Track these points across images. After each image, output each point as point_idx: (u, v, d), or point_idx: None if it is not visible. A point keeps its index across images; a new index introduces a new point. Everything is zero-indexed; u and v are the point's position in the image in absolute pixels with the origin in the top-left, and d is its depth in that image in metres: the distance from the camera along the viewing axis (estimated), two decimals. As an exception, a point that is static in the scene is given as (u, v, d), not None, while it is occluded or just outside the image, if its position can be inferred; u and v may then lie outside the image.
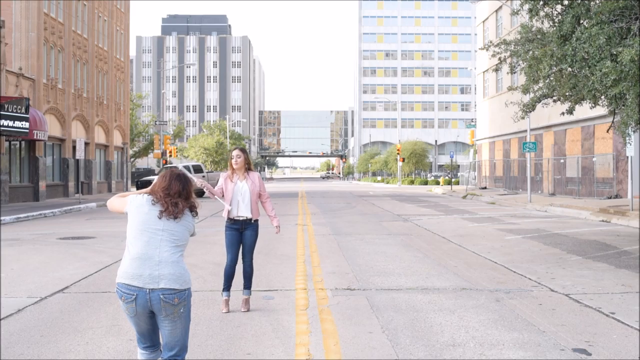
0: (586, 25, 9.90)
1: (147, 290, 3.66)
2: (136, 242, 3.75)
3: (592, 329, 6.11)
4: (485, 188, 44.12)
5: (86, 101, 39.18)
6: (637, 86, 9.40)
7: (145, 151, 62.63)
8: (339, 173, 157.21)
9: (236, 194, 6.82)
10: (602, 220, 18.55)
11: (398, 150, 68.61)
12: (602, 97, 11.59)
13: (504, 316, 6.62)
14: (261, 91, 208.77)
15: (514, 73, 14.76)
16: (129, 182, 49.63)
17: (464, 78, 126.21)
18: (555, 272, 9.42)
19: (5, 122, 25.41)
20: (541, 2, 10.94)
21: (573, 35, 9.92)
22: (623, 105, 10.66)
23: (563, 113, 13.58)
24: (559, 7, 11.05)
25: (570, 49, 9.76)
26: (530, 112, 14.24)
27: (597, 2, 10.15)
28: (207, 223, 18.11)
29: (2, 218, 19.42)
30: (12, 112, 25.74)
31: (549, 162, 34.96)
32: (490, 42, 15.87)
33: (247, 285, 6.99)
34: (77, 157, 29.48)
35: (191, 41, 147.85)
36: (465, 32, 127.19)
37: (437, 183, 62.90)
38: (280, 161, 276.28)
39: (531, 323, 6.32)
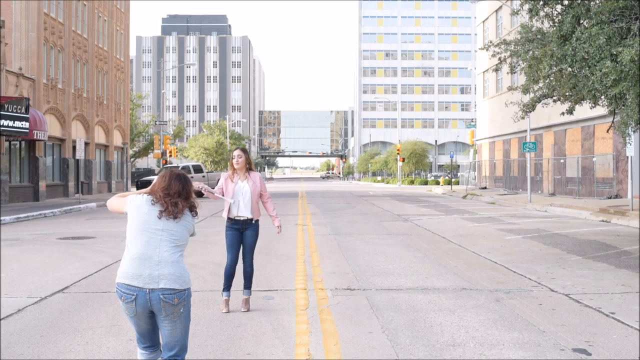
0: (586, 25, 9.90)
1: (147, 290, 3.66)
2: (136, 242, 3.75)
3: (592, 329, 6.11)
4: (485, 188, 44.12)
5: (86, 101, 39.18)
6: (637, 86, 9.40)
7: (145, 151, 62.64)
8: (339, 173, 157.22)
9: (237, 194, 6.81)
10: (602, 220, 18.55)
11: (398, 150, 68.61)
12: (602, 97, 11.59)
13: (504, 316, 6.62)
14: (261, 91, 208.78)
15: (514, 73, 14.76)
16: (129, 182, 49.63)
17: (464, 78, 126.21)
18: (555, 272, 9.42)
19: (5, 122, 25.41)
20: (541, 2, 10.94)
21: (573, 35, 9.93)
22: (623, 105, 10.66)
23: (563, 113, 13.58)
24: (559, 7, 11.05)
25: (570, 49, 9.76)
26: (530, 112, 14.24)
27: (597, 2, 10.15)
28: (207, 223, 18.12)
29: (2, 218, 19.42)
30: (12, 112, 25.74)
31: (549, 162, 34.96)
32: (490, 42, 15.87)
33: (247, 285, 6.99)
34: (77, 157, 29.48)
35: (191, 41, 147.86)
36: (465, 32, 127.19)
37: (437, 183, 62.90)
38: (280, 161, 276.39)
39: (531, 323, 6.32)
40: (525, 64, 12.58)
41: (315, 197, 36.66)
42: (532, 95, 13.60)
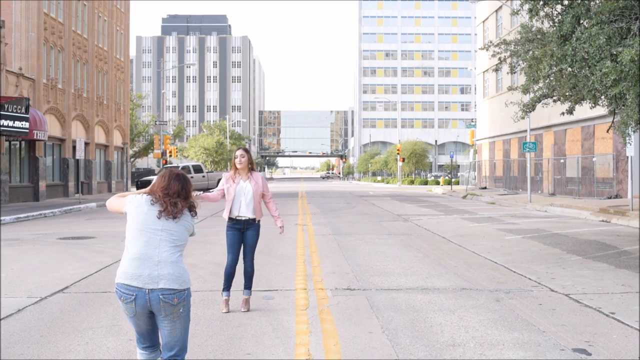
0: (586, 25, 9.90)
1: (147, 290, 3.66)
2: (135, 242, 3.75)
3: (592, 329, 6.11)
4: (485, 188, 44.12)
5: (86, 101, 39.18)
6: (637, 86, 9.40)
7: (145, 151, 62.64)
8: (339, 173, 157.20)
9: (239, 194, 6.81)
10: (602, 220, 18.55)
11: (398, 150, 68.61)
12: (602, 97, 11.59)
13: (504, 316, 6.62)
14: (261, 91, 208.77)
15: (514, 73, 14.76)
16: (129, 182, 49.63)
17: (464, 78, 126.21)
18: (555, 272, 9.42)
19: (5, 122, 25.41)
20: (541, 2, 10.94)
21: (573, 35, 9.92)
22: (623, 105, 10.66)
23: (563, 113, 13.58)
24: (559, 7, 11.05)
25: (570, 49, 9.76)
26: (530, 112, 14.24)
27: (597, 2, 10.15)
28: (207, 223, 18.11)
29: (2, 218, 19.42)
30: (12, 112, 25.74)
31: (549, 162, 34.96)
32: (490, 42, 15.87)
33: (248, 285, 6.99)
34: (77, 157, 29.48)
35: (191, 41, 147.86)
36: (465, 32, 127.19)
37: (437, 183, 62.91)
38: (280, 161, 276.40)
39: (531, 323, 6.32)
40: (525, 64, 12.57)
41: (315, 197, 36.66)
42: (532, 95, 13.60)
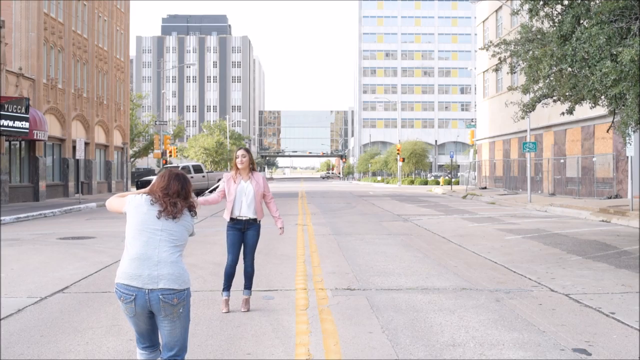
0: (586, 25, 9.90)
1: (146, 290, 3.66)
2: (135, 242, 3.75)
3: (592, 329, 6.11)
4: (485, 188, 44.12)
5: (86, 101, 39.18)
6: (637, 86, 9.40)
7: (145, 151, 62.64)
8: (339, 173, 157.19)
9: (240, 194, 6.81)
10: (602, 220, 18.54)
11: (398, 150, 68.61)
12: (602, 97, 11.58)
13: (504, 316, 6.62)
14: (261, 91, 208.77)
15: (514, 73, 14.76)
16: (129, 182, 49.64)
17: (464, 78, 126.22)
18: (555, 272, 9.42)
19: (5, 122, 25.41)
20: (541, 2, 10.94)
21: (573, 35, 9.92)
22: (623, 105, 10.66)
23: (563, 113, 13.58)
24: (559, 7, 11.05)
25: (570, 49, 9.76)
26: (530, 112, 14.24)
27: (597, 2, 10.15)
28: (207, 223, 18.11)
29: (2, 218, 19.42)
30: (12, 112, 25.75)
31: (549, 162, 34.97)
32: (490, 42, 15.87)
33: (248, 285, 6.99)
34: (77, 157, 29.49)
35: (191, 41, 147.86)
36: (465, 32, 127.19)
37: (437, 183, 62.91)
38: (280, 161, 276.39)
39: (531, 323, 6.32)
40: (525, 64, 12.57)
41: (315, 197, 36.66)
42: (532, 95, 13.60)
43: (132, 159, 62.28)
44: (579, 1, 10.16)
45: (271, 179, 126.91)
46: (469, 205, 27.01)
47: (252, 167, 6.94)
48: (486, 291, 7.98)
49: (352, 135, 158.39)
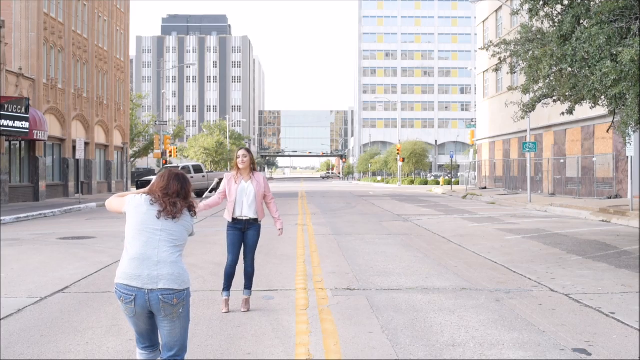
0: (586, 25, 9.90)
1: (146, 290, 3.65)
2: (135, 242, 3.74)
3: (592, 329, 6.11)
4: (485, 188, 44.12)
5: (86, 101, 39.18)
6: (637, 86, 9.40)
7: (145, 151, 62.64)
8: (339, 173, 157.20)
9: (241, 194, 6.81)
10: (602, 220, 18.55)
11: (398, 150, 68.61)
12: (602, 97, 11.58)
13: (504, 316, 6.62)
14: (261, 91, 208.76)
15: (514, 73, 14.76)
16: (129, 182, 49.64)
17: (464, 78, 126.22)
18: (555, 272, 9.42)
19: (5, 122, 25.41)
20: (541, 2, 10.94)
21: (573, 35, 9.92)
22: (623, 105, 10.66)
23: (563, 113, 13.58)
24: (559, 7, 11.05)
25: (570, 49, 9.76)
26: (530, 112, 14.24)
27: (597, 2, 10.15)
28: (207, 223, 18.11)
29: (2, 218, 19.42)
30: (12, 112, 25.75)
31: (549, 162, 34.97)
32: (490, 42, 15.87)
33: (248, 285, 6.99)
34: (77, 157, 29.49)
35: (191, 41, 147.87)
36: (465, 32, 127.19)
37: (437, 183, 62.91)
38: (280, 161, 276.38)
39: (531, 323, 6.32)
40: (525, 64, 12.57)
41: (315, 197, 36.67)
42: (532, 95, 13.60)
43: (132, 159, 62.29)
44: (579, 1, 10.16)
45: (271, 179, 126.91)
46: (469, 205, 27.01)
47: (253, 167, 6.95)
48: (486, 291, 7.98)
49: (352, 135, 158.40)
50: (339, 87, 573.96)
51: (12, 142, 29.31)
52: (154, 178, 4.21)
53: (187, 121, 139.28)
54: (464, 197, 34.73)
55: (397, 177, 73.16)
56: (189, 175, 28.40)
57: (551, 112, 28.67)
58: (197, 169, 38.99)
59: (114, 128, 44.79)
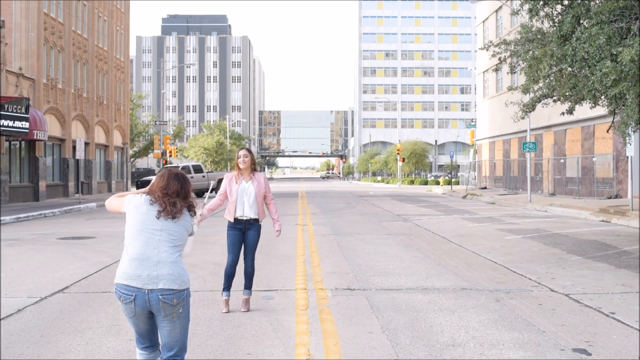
0: (586, 25, 9.89)
1: (146, 290, 3.65)
2: (134, 242, 3.74)
3: (592, 329, 6.11)
4: (485, 188, 44.12)
5: (86, 101, 39.18)
6: (637, 86, 9.40)
7: (145, 151, 62.64)
8: (339, 173, 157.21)
9: (241, 194, 6.82)
10: (602, 220, 18.54)
11: (398, 150, 68.61)
12: (602, 97, 11.58)
13: (504, 316, 6.62)
14: (261, 91, 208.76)
15: (514, 73, 14.76)
16: (129, 182, 49.64)
17: (464, 78, 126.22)
18: (555, 272, 9.42)
19: (5, 122, 25.41)
20: (541, 2, 10.94)
21: (573, 35, 9.92)
22: (623, 105, 10.66)
23: (563, 113, 13.58)
24: (559, 7, 11.05)
25: (570, 49, 9.76)
26: (530, 112, 14.24)
27: (597, 2, 10.15)
28: (207, 223, 18.10)
29: (2, 218, 19.42)
30: (12, 112, 25.75)
31: (549, 162, 34.96)
32: (490, 42, 15.87)
33: (248, 285, 6.99)
34: (77, 157, 29.49)
35: (191, 41, 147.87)
36: (465, 32, 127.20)
37: (437, 183, 62.91)
38: (280, 161, 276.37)
39: (531, 323, 6.32)
40: (525, 64, 12.57)
41: (315, 197, 36.67)
42: (532, 95, 13.60)
43: (132, 159, 62.29)
44: (579, 1, 10.16)
45: (271, 179, 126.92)
46: (469, 205, 27.01)
47: (253, 167, 6.96)
48: (486, 291, 7.98)
49: (352, 135, 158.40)
50: (339, 87, 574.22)
51: (12, 142, 29.31)
52: (153, 178, 4.21)
53: (187, 121, 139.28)
54: (464, 197, 34.73)
55: (397, 177, 73.16)
56: (189, 175, 28.40)
57: (551, 112, 28.67)
58: (197, 169, 38.98)
59: (114, 128, 44.79)
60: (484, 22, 48.22)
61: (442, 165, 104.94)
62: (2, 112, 25.17)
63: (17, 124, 26.05)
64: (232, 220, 6.87)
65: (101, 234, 15.52)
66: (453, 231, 15.68)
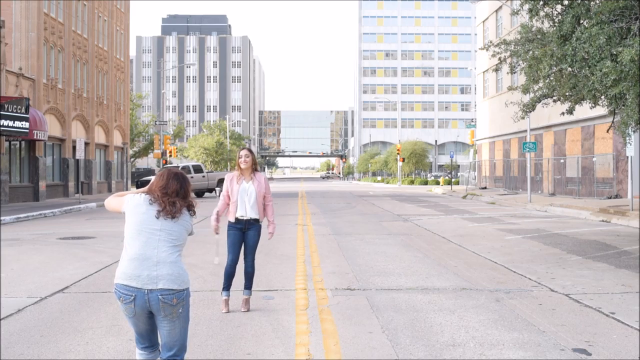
0: (586, 25, 9.89)
1: (146, 290, 3.65)
2: (134, 242, 3.73)
3: (592, 329, 6.11)
4: (485, 188, 44.12)
5: (86, 101, 39.18)
6: (637, 86, 9.40)
7: (145, 151, 62.64)
8: (339, 173, 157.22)
9: (242, 194, 6.83)
10: (602, 220, 18.54)
11: (398, 150, 68.62)
12: (602, 97, 11.58)
13: (504, 316, 6.62)
14: (261, 91, 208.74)
15: (514, 73, 14.76)
16: (129, 182, 49.64)
17: (464, 78, 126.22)
18: (555, 272, 9.42)
19: (5, 122, 25.41)
20: (541, 2, 10.94)
21: (573, 35, 9.92)
22: (623, 105, 10.66)
23: (563, 113, 13.58)
24: (559, 7, 11.04)
25: (570, 49, 9.76)
26: (530, 112, 14.24)
27: (597, 2, 10.15)
28: (207, 223, 18.05)
29: (2, 218, 19.42)
30: (12, 112, 25.75)
31: (549, 162, 34.96)
32: (490, 42, 15.87)
33: (248, 285, 6.99)
34: (77, 157, 29.49)
35: (191, 41, 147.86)
36: (465, 32, 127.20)
37: (437, 183, 62.91)
38: (280, 161, 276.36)
39: (531, 323, 6.32)
40: (525, 64, 12.57)
41: (315, 197, 36.67)
42: (532, 95, 13.60)
43: (132, 159, 62.29)
44: (579, 1, 10.16)
45: (271, 179, 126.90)
46: (469, 205, 27.01)
47: (254, 167, 6.97)
48: (486, 291, 7.98)
49: (352, 135, 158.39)
50: (339, 87, 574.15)
51: (12, 142, 29.31)
52: (153, 178, 4.21)
53: (187, 121, 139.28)
54: (464, 197, 34.73)
55: (397, 177, 73.16)
56: (189, 175, 28.39)
57: (551, 112, 28.67)
58: (197, 169, 38.97)
59: (114, 128, 44.79)
60: (484, 22, 48.22)
61: (442, 165, 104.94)
62: (2, 112, 25.17)
63: (17, 124, 26.05)
64: (232, 220, 6.87)
65: (101, 234, 15.52)
66: (453, 231, 15.68)
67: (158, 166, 59.04)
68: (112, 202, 3.99)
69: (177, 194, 3.84)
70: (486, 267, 10.00)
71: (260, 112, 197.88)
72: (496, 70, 15.52)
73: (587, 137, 30.64)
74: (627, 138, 17.60)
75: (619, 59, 9.08)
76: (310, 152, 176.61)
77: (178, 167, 36.10)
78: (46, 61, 33.29)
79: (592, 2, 10.18)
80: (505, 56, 14.83)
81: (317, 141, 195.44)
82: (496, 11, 44.34)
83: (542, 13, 11.44)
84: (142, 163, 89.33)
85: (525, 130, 32.00)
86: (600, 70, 9.41)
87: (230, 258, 6.89)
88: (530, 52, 12.28)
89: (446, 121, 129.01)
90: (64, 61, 35.82)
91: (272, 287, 8.32)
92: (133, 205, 3.83)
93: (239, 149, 7.27)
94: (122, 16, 47.50)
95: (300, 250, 12.02)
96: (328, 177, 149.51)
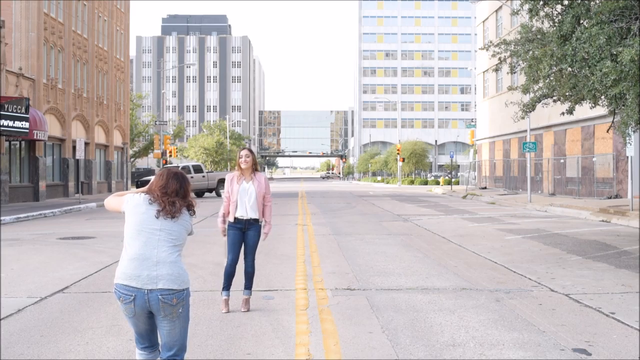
0: (586, 25, 9.89)
1: (146, 290, 3.65)
2: (134, 242, 3.73)
3: (592, 329, 6.11)
4: (485, 188, 44.12)
5: (86, 101, 39.18)
6: (637, 86, 9.40)
7: (145, 151, 62.64)
8: (339, 173, 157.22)
9: (242, 194, 6.83)
10: (602, 220, 18.54)
11: (398, 150, 68.62)
12: (602, 97, 11.58)
13: (504, 316, 6.62)
14: (261, 91, 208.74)
15: (514, 73, 14.76)
16: (129, 182, 49.65)
17: (464, 78, 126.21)
18: (555, 272, 9.41)
19: (5, 122, 25.41)
20: (541, 2, 10.94)
21: (573, 35, 9.92)
22: (623, 105, 10.66)
23: (563, 113, 13.58)
24: (559, 7, 11.05)
25: (570, 49, 9.76)
26: (530, 112, 14.24)
27: (597, 2, 10.15)
28: (207, 223, 18.09)
29: (2, 218, 19.42)
30: (12, 112, 25.75)
31: (549, 162, 34.96)
32: (490, 42, 15.87)
33: (248, 285, 6.99)
34: (77, 157, 29.49)
35: (191, 41, 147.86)
36: (465, 32, 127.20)
37: (437, 183, 62.91)
38: (280, 161, 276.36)
39: (531, 323, 6.32)
40: (525, 64, 12.57)
41: (315, 197, 36.66)
42: (532, 95, 13.60)
43: (132, 159, 62.29)
44: (579, 1, 10.16)
45: (271, 179, 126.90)
46: (469, 205, 27.01)
47: (255, 167, 6.98)
48: (486, 291, 7.98)
49: (352, 135, 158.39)
50: (339, 87, 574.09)
51: (12, 142, 29.31)
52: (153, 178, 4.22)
53: (187, 121, 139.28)
54: (464, 197, 34.73)
55: (397, 177, 73.16)
56: (188, 175, 28.38)
57: (551, 112, 28.67)
58: (197, 169, 38.96)
59: (114, 128, 44.79)
60: (484, 22, 48.22)
61: (442, 165, 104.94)
62: (2, 112, 25.17)
63: (17, 124, 26.05)
64: (232, 220, 6.87)
65: (101, 234, 15.52)
66: (453, 231, 15.67)
67: (158, 166, 59.02)
68: (112, 201, 3.99)
69: (176, 194, 3.83)
70: (486, 267, 10.00)
71: (260, 112, 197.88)
72: (496, 70, 15.52)
73: (587, 137, 30.64)
74: (627, 138, 17.61)
75: (619, 59, 9.08)
76: (310, 152, 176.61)
77: (178, 167, 36.11)
78: (46, 61, 33.29)
79: (592, 2, 10.18)
80: (505, 56, 14.83)
81: (317, 141, 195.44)
82: (496, 11, 44.34)
83: (542, 13, 11.44)
84: (142, 163, 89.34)
85: (525, 130, 32.00)
86: (600, 70, 9.41)
87: (230, 258, 6.89)
88: (530, 52, 12.28)
89: (446, 121, 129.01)
90: (64, 61, 35.83)
91: (272, 287, 8.32)
92: (133, 205, 3.83)
93: (240, 149, 7.30)
94: (122, 16, 47.51)
95: (300, 250, 12.02)
96: (328, 177, 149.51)
